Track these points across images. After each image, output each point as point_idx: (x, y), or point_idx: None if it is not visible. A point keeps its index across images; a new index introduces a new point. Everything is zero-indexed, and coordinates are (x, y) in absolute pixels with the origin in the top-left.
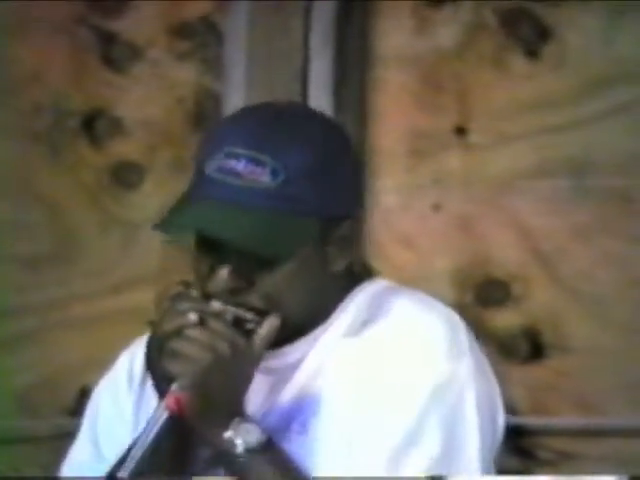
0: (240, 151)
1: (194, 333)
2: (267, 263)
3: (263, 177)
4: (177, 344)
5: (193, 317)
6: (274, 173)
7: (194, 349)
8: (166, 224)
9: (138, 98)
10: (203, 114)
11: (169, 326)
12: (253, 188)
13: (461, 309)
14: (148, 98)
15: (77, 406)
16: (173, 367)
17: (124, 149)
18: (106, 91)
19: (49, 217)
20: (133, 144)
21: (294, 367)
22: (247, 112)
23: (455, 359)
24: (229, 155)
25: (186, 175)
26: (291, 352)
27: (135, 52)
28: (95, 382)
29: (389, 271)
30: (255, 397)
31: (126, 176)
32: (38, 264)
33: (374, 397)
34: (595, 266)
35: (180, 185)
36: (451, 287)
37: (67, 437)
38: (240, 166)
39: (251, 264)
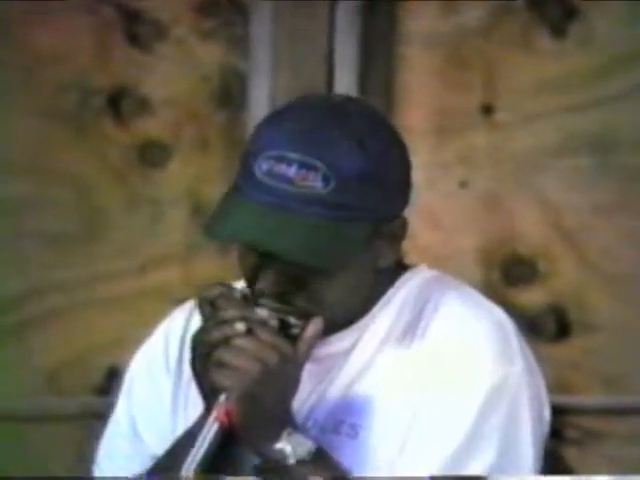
0: (291, 155)
1: (242, 343)
2: (319, 270)
3: (315, 183)
4: (225, 355)
5: (241, 327)
6: (325, 179)
7: (243, 360)
8: (217, 230)
9: (163, 76)
10: (228, 93)
11: (216, 335)
12: (306, 195)
13: (487, 287)
14: (173, 76)
15: (105, 385)
16: (222, 379)
17: (150, 127)
18: (131, 70)
19: (75, 196)
20: (159, 122)
21: (341, 356)
22: (298, 109)
23: (507, 362)
24: (280, 159)
25: (212, 153)
26: (338, 341)
27: (160, 30)
28: (123, 361)
29: (415, 249)
30: (303, 387)
31: (152, 154)
32: (64, 243)
33: (427, 404)
34: (620, 244)
35: (206, 163)
36: (477, 265)
37: (95, 416)
38: (292, 171)
39: (301, 270)
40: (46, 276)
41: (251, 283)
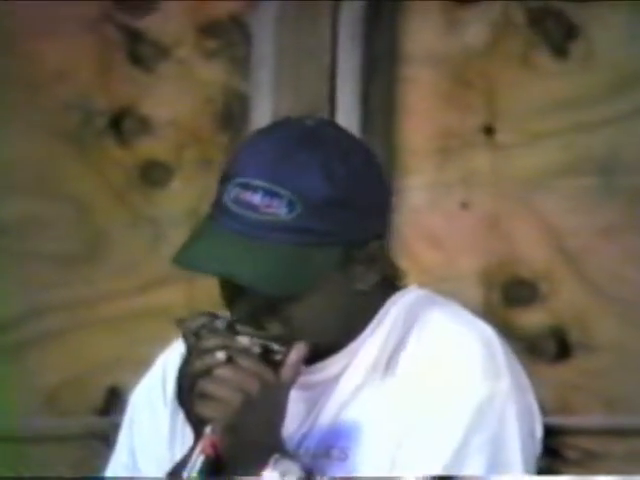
0: (257, 183)
1: (223, 373)
2: (285, 296)
3: (279, 210)
4: (207, 386)
5: (221, 356)
6: (290, 205)
7: (225, 391)
8: (182, 257)
9: (166, 97)
10: (231, 113)
11: (198, 365)
12: (270, 222)
13: (488, 308)
14: (176, 97)
15: (105, 405)
16: (205, 410)
17: (152, 148)
18: (133, 90)
19: (77, 216)
20: (161, 143)
21: (332, 382)
22: (266, 136)
23: (493, 379)
24: (246, 186)
25: (214, 174)
26: (327, 367)
27: (163, 51)
28: (123, 381)
29: (416, 270)
30: (294, 415)
31: (154, 175)
32: (66, 262)
33: (414, 424)
34: (623, 265)
35: (208, 184)
36: (478, 286)
37: (95, 436)
38: (256, 199)
39: (269, 296)
40: (46, 296)
41: (230, 310)
